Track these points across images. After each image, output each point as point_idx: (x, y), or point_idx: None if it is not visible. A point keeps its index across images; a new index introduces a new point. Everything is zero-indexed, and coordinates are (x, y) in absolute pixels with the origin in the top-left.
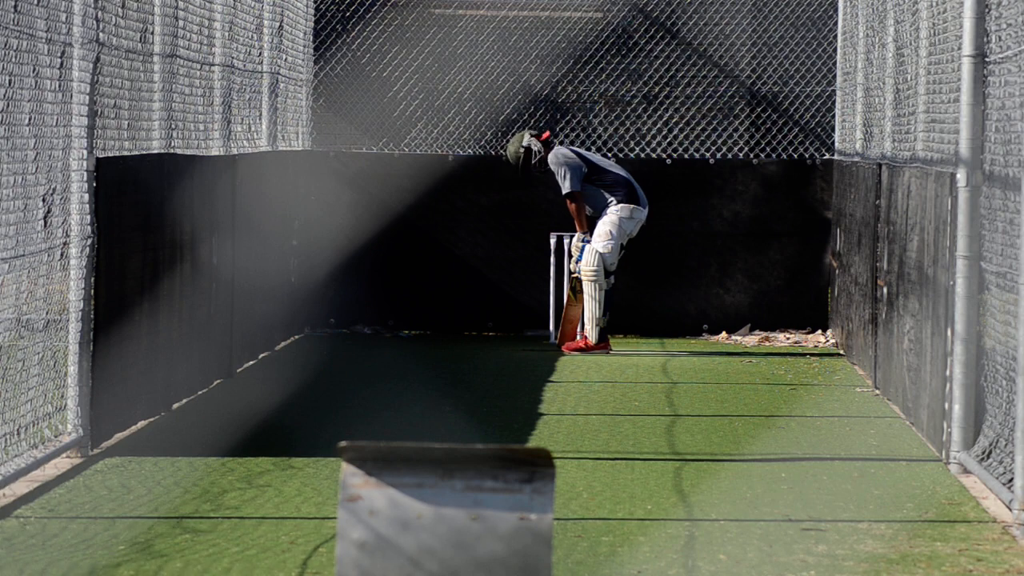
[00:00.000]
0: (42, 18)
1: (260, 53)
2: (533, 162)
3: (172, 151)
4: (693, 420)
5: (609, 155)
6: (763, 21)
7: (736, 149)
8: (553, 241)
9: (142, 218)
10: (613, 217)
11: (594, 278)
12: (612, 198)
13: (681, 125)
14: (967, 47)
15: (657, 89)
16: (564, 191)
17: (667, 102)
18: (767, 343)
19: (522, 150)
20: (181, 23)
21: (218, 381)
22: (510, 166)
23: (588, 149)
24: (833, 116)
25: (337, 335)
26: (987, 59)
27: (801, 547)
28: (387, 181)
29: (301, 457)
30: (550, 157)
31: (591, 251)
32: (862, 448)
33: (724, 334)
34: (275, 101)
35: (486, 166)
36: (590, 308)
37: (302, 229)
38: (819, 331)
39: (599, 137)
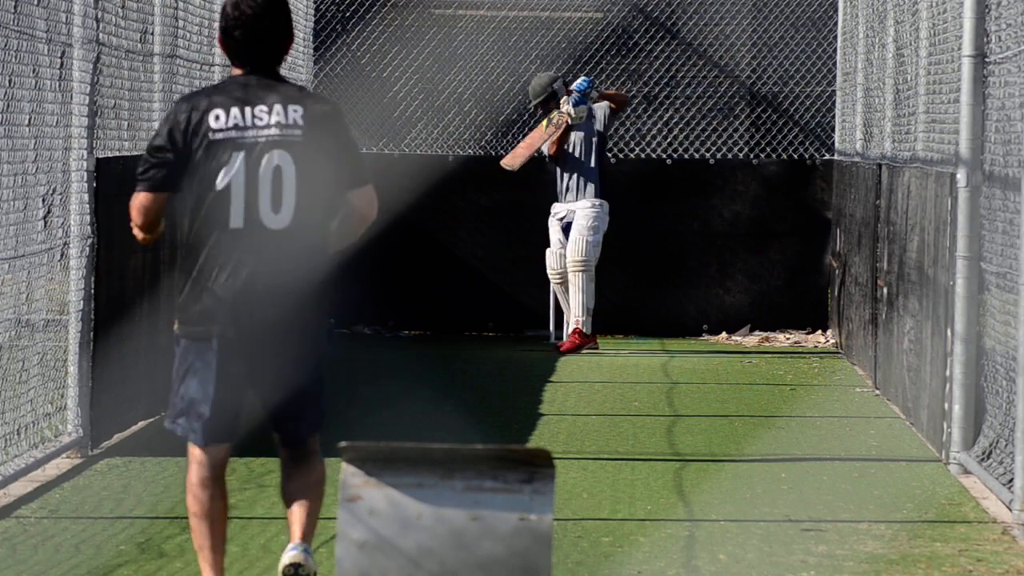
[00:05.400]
0: (42, 18)
1: None
2: (550, 109)
3: None
4: (693, 420)
5: (609, 155)
6: (763, 21)
7: (736, 149)
8: None
9: None
10: (596, 212)
11: (584, 268)
12: (592, 185)
13: (681, 125)
14: (967, 47)
15: (657, 89)
16: (598, 128)
17: (667, 102)
18: (767, 343)
19: (549, 90)
20: (181, 23)
21: None
22: (536, 92)
23: None
24: (833, 116)
25: (337, 335)
26: (987, 59)
27: (801, 547)
28: (387, 181)
29: None
30: (597, 105)
31: (582, 240)
32: (862, 448)
33: (724, 334)
34: None
35: (486, 166)
36: (578, 300)
37: None
38: (819, 331)
39: None
